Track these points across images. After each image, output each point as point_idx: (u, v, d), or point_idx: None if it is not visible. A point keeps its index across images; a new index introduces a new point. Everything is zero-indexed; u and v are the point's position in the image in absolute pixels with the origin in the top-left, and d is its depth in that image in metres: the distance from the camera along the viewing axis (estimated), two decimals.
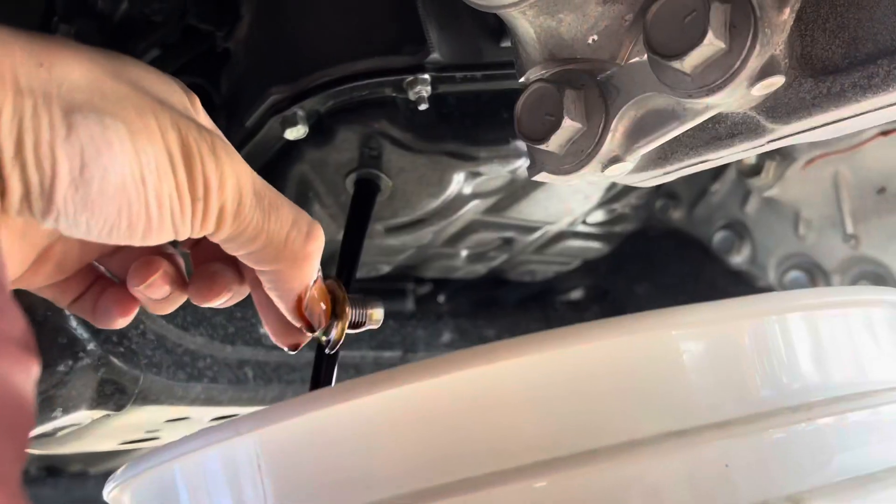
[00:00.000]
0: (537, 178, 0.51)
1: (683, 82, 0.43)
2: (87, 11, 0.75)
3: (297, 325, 0.43)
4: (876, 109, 0.44)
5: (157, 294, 0.41)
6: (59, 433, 0.65)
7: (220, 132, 0.40)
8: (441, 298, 1.26)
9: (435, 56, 0.59)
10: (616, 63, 0.47)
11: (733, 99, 0.44)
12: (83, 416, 0.55)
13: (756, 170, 0.81)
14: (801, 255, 0.91)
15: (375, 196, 0.64)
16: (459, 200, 0.70)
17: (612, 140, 0.48)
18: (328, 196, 0.67)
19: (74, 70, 0.32)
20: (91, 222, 0.32)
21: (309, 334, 0.44)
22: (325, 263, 0.85)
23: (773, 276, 0.95)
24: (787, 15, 0.42)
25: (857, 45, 0.43)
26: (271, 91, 0.59)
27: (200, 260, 0.44)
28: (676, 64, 0.42)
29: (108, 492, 0.44)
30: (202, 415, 0.72)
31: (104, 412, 0.57)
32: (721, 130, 0.49)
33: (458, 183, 0.66)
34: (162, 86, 0.37)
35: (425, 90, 0.59)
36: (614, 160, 0.49)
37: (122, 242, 0.34)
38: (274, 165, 0.65)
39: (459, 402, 0.36)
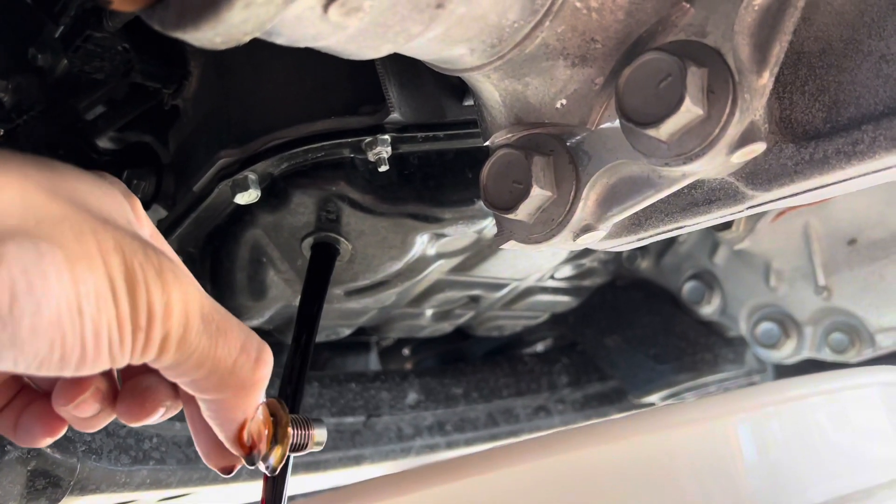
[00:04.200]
0: (505, 246, 0.48)
1: (659, 150, 0.40)
2: (26, 67, 0.71)
3: (236, 453, 0.39)
4: (861, 176, 0.42)
5: (86, 413, 0.37)
6: None
7: (166, 246, 0.37)
8: (406, 351, 1.22)
9: (395, 116, 0.56)
10: (586, 128, 0.44)
11: (712, 166, 0.41)
12: None
13: (726, 224, 0.79)
14: (773, 305, 0.89)
15: (334, 260, 0.61)
16: (423, 261, 0.67)
17: (584, 208, 0.45)
18: (283, 261, 0.63)
19: (5, 190, 0.29)
20: (19, 359, 0.29)
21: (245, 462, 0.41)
22: (280, 329, 0.80)
23: (744, 327, 0.93)
24: (767, 79, 0.40)
25: (838, 109, 0.41)
26: (220, 154, 0.56)
27: (129, 374, 0.39)
28: (651, 131, 0.39)
29: None
30: (150, 498, 0.67)
31: None
32: (698, 196, 0.46)
33: (422, 244, 0.63)
34: (102, 198, 0.34)
35: (385, 151, 0.56)
36: (586, 229, 0.46)
37: (52, 375, 0.31)
38: (225, 230, 0.61)
39: None
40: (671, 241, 0.98)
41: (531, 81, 0.44)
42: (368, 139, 0.56)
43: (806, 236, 0.82)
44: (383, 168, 0.56)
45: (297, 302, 0.61)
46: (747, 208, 0.45)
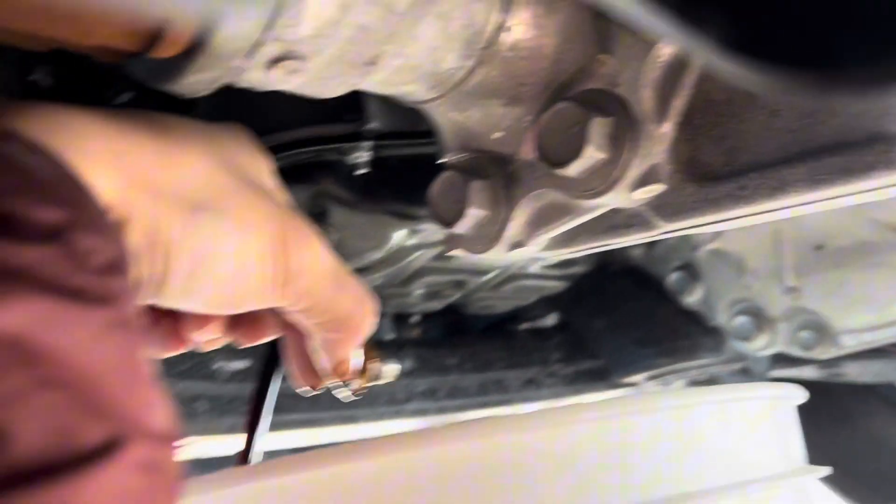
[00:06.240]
0: (452, 253, 0.55)
1: (570, 185, 0.46)
2: (60, 58, 0.79)
3: (332, 379, 0.47)
4: (753, 215, 0.47)
5: (208, 337, 0.43)
6: None
7: (287, 199, 0.43)
8: (413, 319, 1.30)
9: (373, 125, 0.62)
10: (519, 158, 0.50)
11: (618, 200, 0.47)
12: None
13: None
14: (748, 301, 0.94)
15: None
16: (404, 251, 0.74)
17: (515, 227, 0.51)
18: None
19: (194, 166, 0.35)
20: (192, 304, 0.36)
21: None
22: None
23: (722, 318, 0.98)
24: (667, 127, 0.45)
25: (735, 155, 0.46)
26: None
27: None
28: (560, 171, 0.45)
29: None
30: None
31: None
32: (618, 221, 0.52)
33: (400, 237, 0.70)
34: (255, 164, 0.40)
35: (364, 156, 0.63)
36: (518, 244, 0.52)
37: (212, 313, 0.38)
38: None
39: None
40: None
41: (472, 115, 0.50)
42: (348, 145, 0.63)
43: (776, 239, 0.86)
44: (361, 171, 0.63)
45: None
46: (660, 233, 0.51)
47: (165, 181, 0.33)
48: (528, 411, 0.44)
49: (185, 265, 0.33)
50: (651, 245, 1.05)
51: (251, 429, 0.63)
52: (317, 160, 0.65)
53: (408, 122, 0.64)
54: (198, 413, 0.75)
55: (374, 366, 0.50)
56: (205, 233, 0.34)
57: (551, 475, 0.41)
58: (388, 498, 0.39)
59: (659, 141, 0.45)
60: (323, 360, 0.46)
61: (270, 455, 0.53)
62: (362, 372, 0.49)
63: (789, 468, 0.49)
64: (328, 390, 0.49)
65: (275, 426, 0.85)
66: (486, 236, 0.52)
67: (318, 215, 0.67)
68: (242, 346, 0.45)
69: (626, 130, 0.44)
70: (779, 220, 0.88)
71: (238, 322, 0.44)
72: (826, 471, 0.49)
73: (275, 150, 0.63)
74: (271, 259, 0.36)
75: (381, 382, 0.52)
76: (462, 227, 0.52)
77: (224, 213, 0.35)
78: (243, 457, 0.63)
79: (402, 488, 0.39)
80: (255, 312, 0.44)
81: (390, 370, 0.51)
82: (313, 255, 0.39)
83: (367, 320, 0.44)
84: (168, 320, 0.42)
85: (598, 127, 0.44)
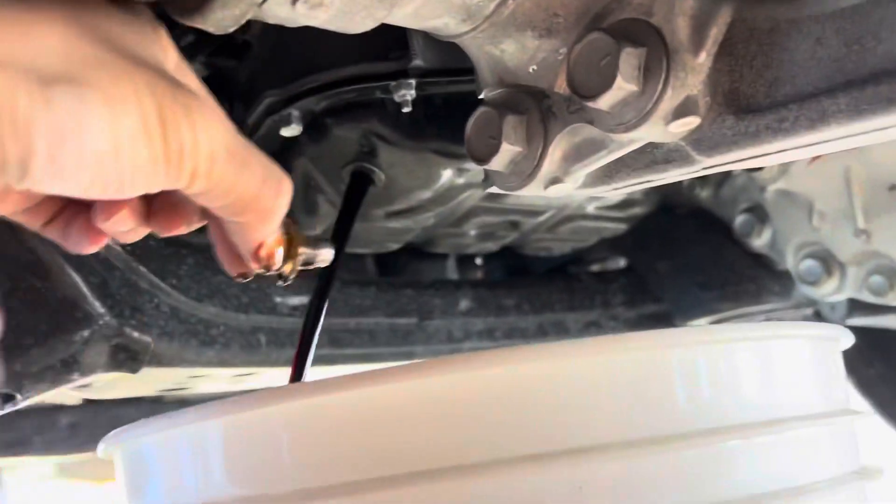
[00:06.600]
0: (489, 190, 0.55)
1: (603, 119, 0.46)
2: None
3: (253, 266, 0.46)
4: (794, 149, 0.45)
5: (122, 227, 0.41)
6: (95, 384, 0.74)
7: (191, 76, 0.40)
8: (478, 261, 1.31)
9: (418, 62, 0.62)
10: (555, 92, 0.49)
11: (653, 134, 0.46)
12: (101, 377, 0.64)
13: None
14: (817, 244, 0.90)
15: (367, 187, 0.69)
16: (454, 190, 0.74)
17: (551, 163, 0.51)
18: (328, 186, 0.72)
19: (52, 35, 0.32)
20: (64, 187, 0.33)
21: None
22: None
23: (790, 261, 0.95)
24: (704, 58, 0.44)
25: (777, 86, 0.44)
26: (267, 93, 0.65)
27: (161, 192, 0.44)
28: (592, 104, 0.44)
29: (100, 451, 0.52)
30: (221, 373, 0.81)
31: (122, 373, 0.66)
32: (658, 156, 0.51)
33: (448, 176, 0.70)
34: (134, 36, 0.37)
35: (409, 94, 0.63)
36: (555, 180, 0.52)
37: (93, 198, 0.36)
38: (278, 158, 0.71)
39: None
40: (728, 173, 1.00)
41: (506, 49, 0.49)
42: (394, 83, 0.63)
43: (847, 180, 0.82)
44: (406, 109, 0.63)
45: None
46: (700, 169, 0.50)
47: (9, 52, 0.31)
48: (558, 342, 0.43)
49: (48, 141, 0.31)
50: (718, 186, 1.02)
51: (302, 352, 0.65)
52: (363, 99, 0.66)
53: (452, 60, 0.64)
54: (260, 345, 0.78)
55: (303, 250, 0.48)
56: (62, 107, 0.31)
57: (583, 405, 0.41)
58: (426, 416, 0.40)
59: (695, 72, 0.44)
60: (240, 248, 0.44)
61: None
62: (288, 257, 0.47)
63: (829, 408, 0.48)
64: (261, 279, 0.47)
65: (333, 359, 0.88)
66: (522, 172, 0.52)
67: (367, 153, 0.68)
68: (163, 236, 0.43)
69: (658, 61, 0.43)
70: (849, 159, 0.84)
71: (154, 211, 0.42)
72: (867, 411, 0.48)
73: (321, 88, 0.64)
74: (145, 136, 0.34)
75: (313, 267, 0.50)
76: (497, 163, 0.51)
77: (86, 86, 0.32)
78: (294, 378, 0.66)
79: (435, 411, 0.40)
80: (170, 199, 0.42)
81: (323, 255, 0.50)
82: (204, 132, 0.36)
83: (277, 200, 0.41)
84: (84, 214, 0.41)
85: (629, 57, 0.43)
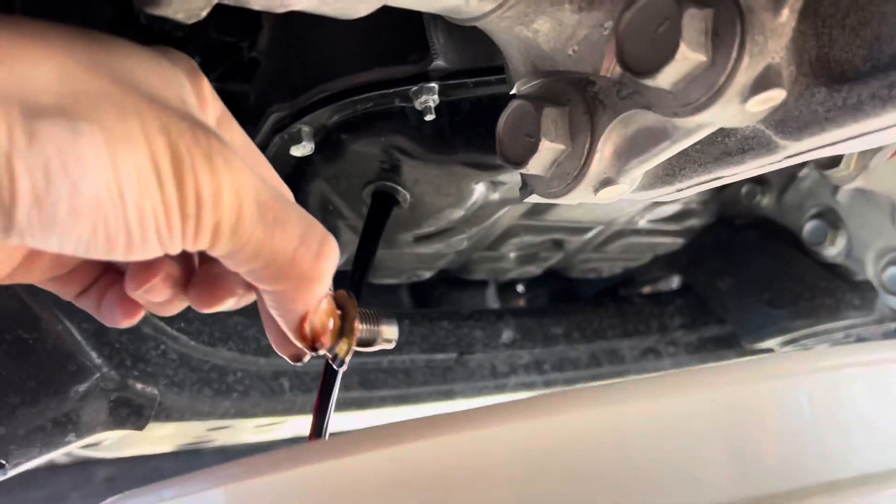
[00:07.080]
0: (528, 199, 0.47)
1: (664, 100, 0.37)
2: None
3: (298, 344, 0.39)
4: None
5: (158, 298, 0.37)
6: (104, 443, 0.67)
7: (237, 131, 0.36)
8: (520, 288, 1.22)
9: (439, 63, 0.55)
10: (601, 76, 0.41)
11: (728, 116, 0.37)
12: (101, 437, 0.57)
13: (833, 161, 0.71)
14: None
15: (391, 209, 0.62)
16: (489, 208, 0.66)
17: (601, 161, 0.43)
18: (348, 209, 0.65)
19: (42, 65, 0.28)
20: (62, 241, 0.29)
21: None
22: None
23: (871, 271, 0.85)
24: (786, 16, 0.35)
25: (880, 45, 0.36)
26: (273, 108, 0.58)
27: (203, 259, 0.38)
28: (649, 81, 0.36)
29: None
30: (244, 424, 0.73)
31: (126, 431, 0.58)
32: (731, 145, 0.42)
33: (481, 192, 0.62)
34: (154, 75, 0.32)
35: (432, 99, 0.55)
36: (606, 182, 0.44)
37: (102, 258, 0.30)
38: (290, 182, 0.64)
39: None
40: (793, 177, 0.90)
41: (540, 28, 0.42)
42: (414, 88, 0.55)
43: None
44: (429, 117, 0.56)
45: None
46: (784, 158, 0.41)
47: None
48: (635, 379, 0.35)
49: (32, 182, 0.27)
50: (782, 192, 0.92)
51: (322, 404, 0.58)
52: (381, 109, 0.58)
53: (479, 57, 0.56)
54: (283, 391, 0.70)
55: (360, 326, 0.40)
56: (50, 143, 0.27)
57: (658, 453, 0.33)
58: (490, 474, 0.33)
59: (776, 34, 0.36)
60: (282, 324, 0.37)
61: None
62: (341, 333, 0.40)
63: None
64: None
65: (364, 403, 0.80)
66: (567, 174, 0.44)
67: (388, 171, 0.61)
68: (203, 311, 0.38)
69: (730, 23, 0.35)
70: None
71: (195, 281, 0.37)
72: None
73: (332, 98, 0.57)
74: (155, 180, 0.29)
75: (377, 348, 0.42)
76: (536, 165, 0.43)
77: (85, 121, 0.28)
78: (314, 433, 0.58)
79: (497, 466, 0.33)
80: (213, 268, 0.37)
81: (386, 332, 0.42)
82: (229, 181, 0.30)
83: (320, 265, 0.35)
84: (120, 284, 0.37)
85: (693, 21, 0.35)
